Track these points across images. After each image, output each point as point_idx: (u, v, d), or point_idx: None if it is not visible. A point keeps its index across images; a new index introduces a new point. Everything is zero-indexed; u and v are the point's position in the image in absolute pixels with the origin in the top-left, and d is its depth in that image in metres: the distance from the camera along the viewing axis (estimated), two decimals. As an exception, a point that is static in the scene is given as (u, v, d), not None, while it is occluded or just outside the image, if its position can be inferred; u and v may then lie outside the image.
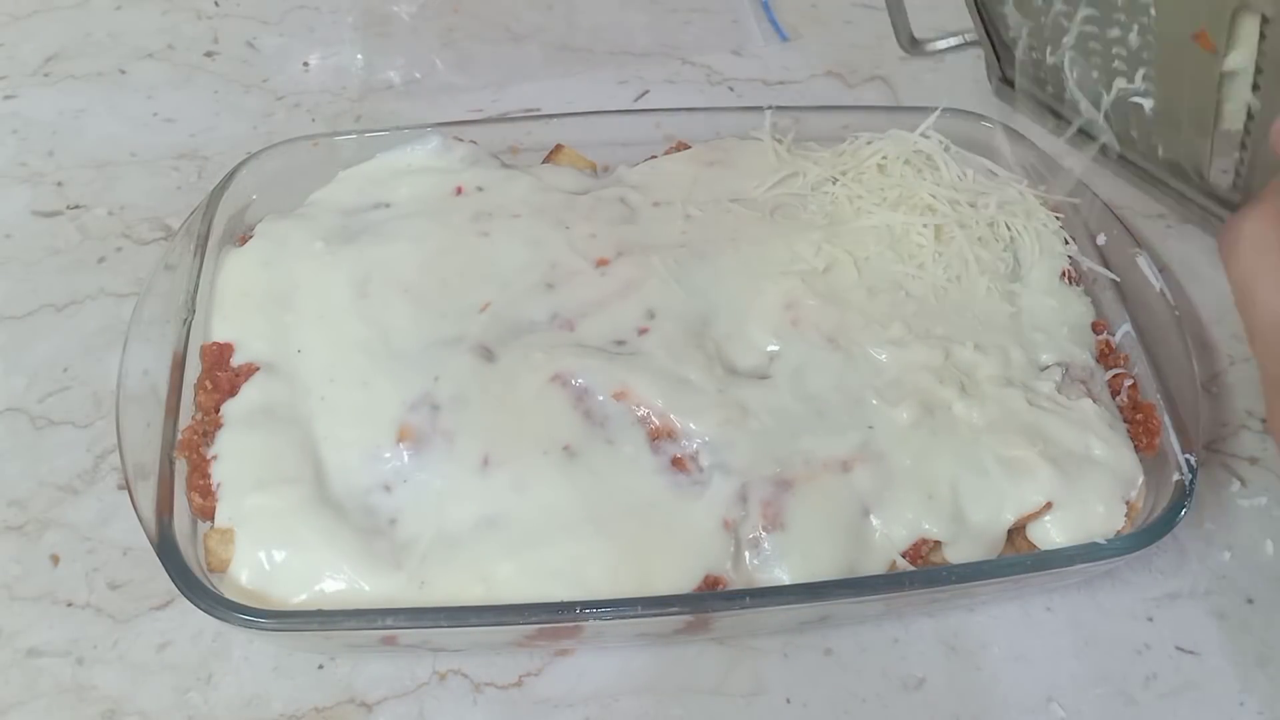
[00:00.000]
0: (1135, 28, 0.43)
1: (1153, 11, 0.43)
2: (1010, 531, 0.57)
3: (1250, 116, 0.45)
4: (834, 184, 0.69)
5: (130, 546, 0.60)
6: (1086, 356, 0.62)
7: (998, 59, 0.54)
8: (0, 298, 0.72)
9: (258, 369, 0.59)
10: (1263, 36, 0.41)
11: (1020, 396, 0.58)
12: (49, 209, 0.77)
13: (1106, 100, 0.47)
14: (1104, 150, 0.50)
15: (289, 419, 0.57)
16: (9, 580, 0.59)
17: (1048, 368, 0.61)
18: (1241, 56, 0.43)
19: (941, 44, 0.54)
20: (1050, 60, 0.49)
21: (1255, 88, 0.44)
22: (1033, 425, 0.57)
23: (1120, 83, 0.46)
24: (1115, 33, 0.44)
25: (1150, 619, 0.61)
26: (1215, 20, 0.41)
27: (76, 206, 0.77)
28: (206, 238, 0.64)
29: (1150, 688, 0.58)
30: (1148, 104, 0.46)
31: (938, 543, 0.56)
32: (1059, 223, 0.68)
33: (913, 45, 0.57)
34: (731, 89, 0.89)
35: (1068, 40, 0.46)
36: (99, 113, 0.84)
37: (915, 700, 0.57)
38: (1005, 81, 0.52)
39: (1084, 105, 0.48)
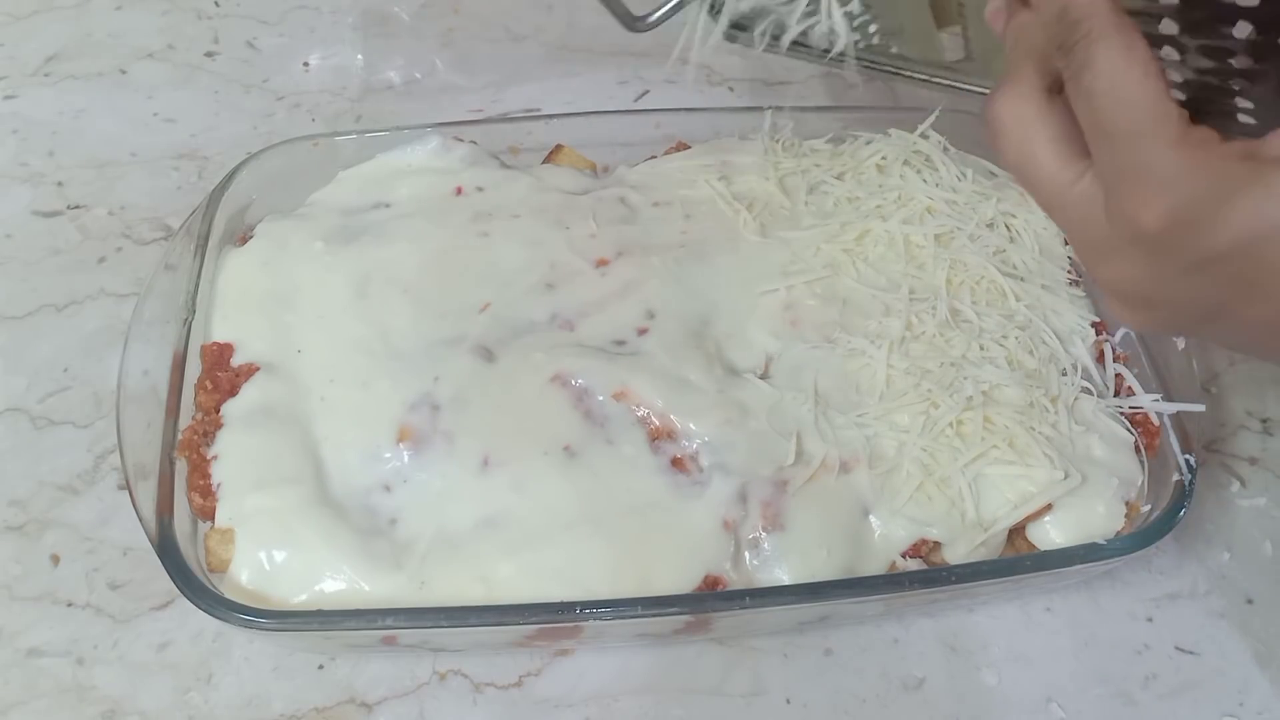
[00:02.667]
0: None
1: None
2: (1010, 531, 0.57)
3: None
4: (834, 184, 0.69)
5: (130, 546, 0.60)
6: (1086, 357, 0.62)
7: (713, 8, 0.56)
8: (0, 298, 0.72)
9: (258, 369, 0.59)
10: None
11: (1020, 397, 0.58)
12: (49, 209, 0.77)
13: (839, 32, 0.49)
14: (841, 59, 0.53)
15: (289, 419, 0.57)
16: (9, 580, 0.59)
17: (1048, 368, 0.61)
18: None
19: (662, 11, 0.56)
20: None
21: None
22: (1032, 426, 0.57)
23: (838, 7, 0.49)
24: None
25: (1150, 619, 0.61)
26: None
27: (77, 206, 0.77)
28: (207, 238, 0.64)
29: (1150, 688, 0.58)
30: (867, 21, 0.49)
31: (938, 543, 0.56)
32: (1059, 223, 0.68)
33: (636, 23, 0.58)
34: (731, 89, 0.89)
35: None
36: (99, 113, 0.84)
37: (915, 700, 0.57)
38: (735, 27, 0.54)
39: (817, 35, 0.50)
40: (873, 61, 0.52)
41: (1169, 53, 0.35)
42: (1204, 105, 0.35)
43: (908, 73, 0.51)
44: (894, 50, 0.51)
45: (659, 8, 0.55)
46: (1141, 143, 0.35)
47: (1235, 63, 0.33)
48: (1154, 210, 0.35)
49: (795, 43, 0.52)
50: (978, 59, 0.43)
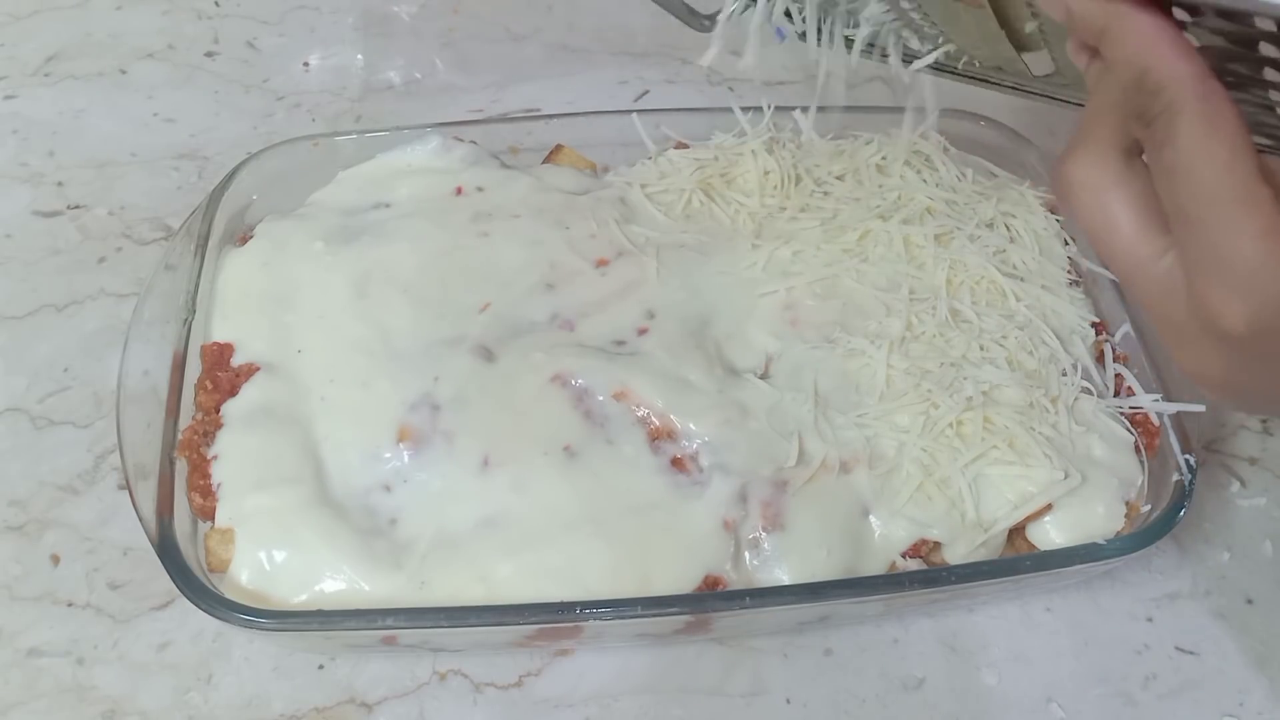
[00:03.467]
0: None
1: None
2: (1010, 532, 0.57)
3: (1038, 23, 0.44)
4: (834, 184, 0.69)
5: (130, 546, 0.60)
6: (1086, 357, 0.62)
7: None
8: (0, 298, 0.72)
9: (258, 369, 0.59)
10: None
11: (1020, 397, 0.58)
12: (49, 209, 0.77)
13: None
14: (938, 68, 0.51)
15: (289, 419, 0.57)
16: (9, 580, 0.59)
17: (1048, 368, 0.61)
18: None
19: (731, 7, 0.52)
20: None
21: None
22: (1032, 426, 0.57)
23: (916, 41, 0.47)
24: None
25: (1150, 619, 0.61)
26: None
27: (77, 206, 0.77)
28: (207, 238, 0.64)
29: (1150, 688, 0.58)
30: (947, 50, 0.47)
31: (938, 543, 0.56)
32: (1058, 224, 0.68)
33: (699, 20, 0.55)
34: (731, 89, 0.89)
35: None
36: (99, 113, 0.84)
37: (915, 700, 0.57)
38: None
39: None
40: (957, 71, 0.50)
41: (1273, 75, 0.31)
42: None
43: (995, 81, 0.49)
44: (978, 65, 0.49)
45: (724, 7, 0.52)
46: (1225, 233, 0.31)
47: None
48: (1236, 311, 0.32)
49: (870, 46, 0.50)
50: (1066, 73, 0.41)
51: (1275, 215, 0.31)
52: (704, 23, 0.53)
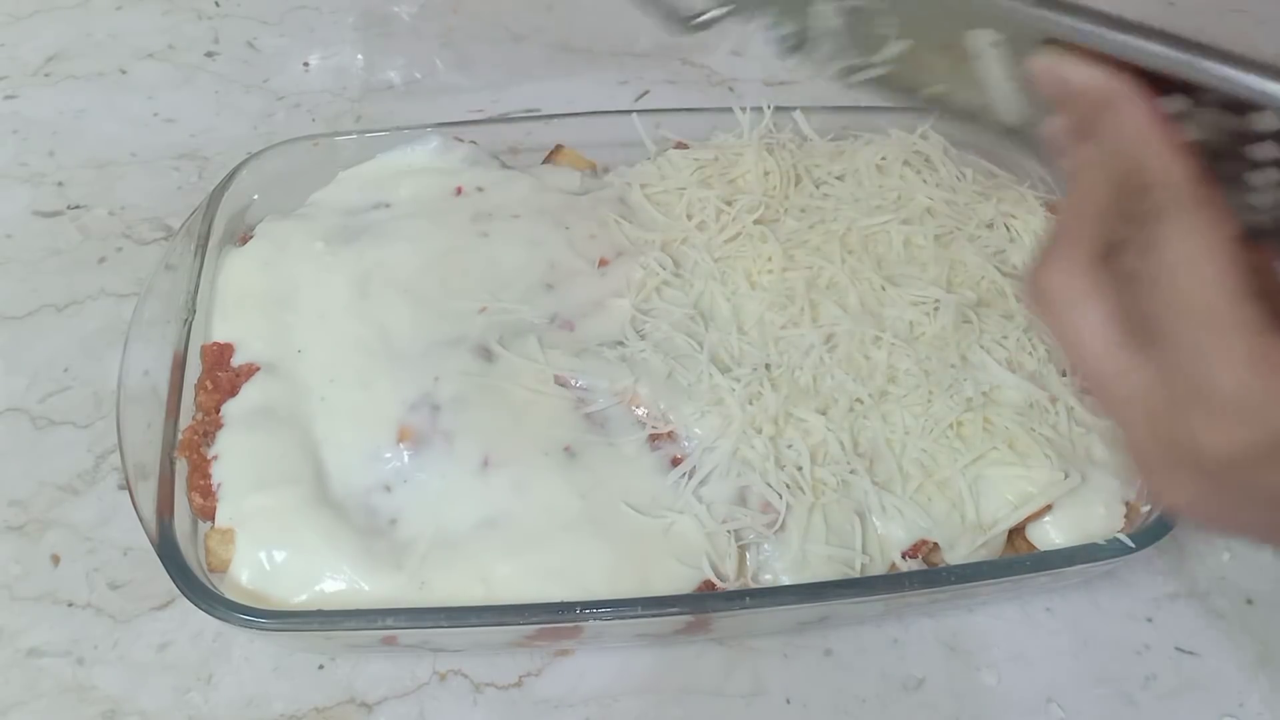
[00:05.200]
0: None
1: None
2: (1010, 532, 0.57)
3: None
4: (834, 184, 0.69)
5: (131, 546, 0.60)
6: (1086, 357, 0.62)
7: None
8: (1, 298, 0.72)
9: (258, 369, 0.59)
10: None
11: (1020, 398, 0.58)
12: (50, 209, 0.77)
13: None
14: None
15: (289, 419, 0.57)
16: (9, 580, 0.59)
17: (1047, 369, 0.61)
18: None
19: (711, 14, 0.49)
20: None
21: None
22: (1032, 427, 0.57)
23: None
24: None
25: (1150, 619, 0.61)
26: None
27: (77, 207, 0.77)
28: (207, 238, 0.64)
29: (1150, 688, 0.58)
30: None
31: (938, 543, 0.56)
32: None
33: (685, 23, 0.52)
34: (731, 89, 0.89)
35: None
36: (99, 113, 0.84)
37: (915, 700, 0.57)
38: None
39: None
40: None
41: (1272, 175, 0.29)
42: None
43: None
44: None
45: (707, 9, 0.49)
46: (1208, 356, 0.29)
47: None
48: (1218, 439, 0.30)
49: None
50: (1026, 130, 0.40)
51: (1260, 341, 0.28)
52: (686, 25, 0.51)
